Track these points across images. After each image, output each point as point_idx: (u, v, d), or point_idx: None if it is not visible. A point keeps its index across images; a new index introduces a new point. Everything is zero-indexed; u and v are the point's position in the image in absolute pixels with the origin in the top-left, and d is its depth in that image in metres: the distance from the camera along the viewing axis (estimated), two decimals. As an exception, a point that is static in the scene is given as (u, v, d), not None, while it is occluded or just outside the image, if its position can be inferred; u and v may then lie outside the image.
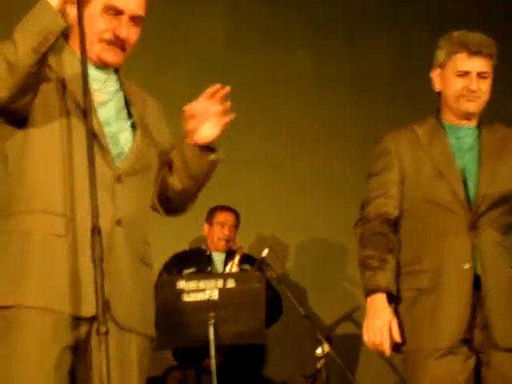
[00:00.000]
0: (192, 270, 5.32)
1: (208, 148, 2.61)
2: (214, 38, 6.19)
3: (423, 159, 3.20)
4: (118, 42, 2.51)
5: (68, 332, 2.39)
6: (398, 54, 6.49)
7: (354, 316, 5.97)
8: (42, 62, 2.32)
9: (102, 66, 2.56)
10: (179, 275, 5.10)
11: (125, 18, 2.50)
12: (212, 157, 2.62)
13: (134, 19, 2.52)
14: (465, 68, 3.17)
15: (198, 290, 4.06)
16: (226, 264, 5.30)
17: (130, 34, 2.52)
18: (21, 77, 2.29)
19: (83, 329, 2.42)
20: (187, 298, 4.05)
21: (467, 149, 3.22)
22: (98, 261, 2.22)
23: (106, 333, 2.21)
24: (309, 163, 6.21)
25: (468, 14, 6.13)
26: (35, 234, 2.40)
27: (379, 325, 3.09)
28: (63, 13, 2.34)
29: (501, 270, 3.12)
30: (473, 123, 3.25)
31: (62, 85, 2.47)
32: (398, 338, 3.10)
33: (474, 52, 3.15)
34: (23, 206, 2.42)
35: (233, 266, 5.04)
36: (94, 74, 2.53)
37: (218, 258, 5.46)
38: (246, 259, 5.28)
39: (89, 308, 2.33)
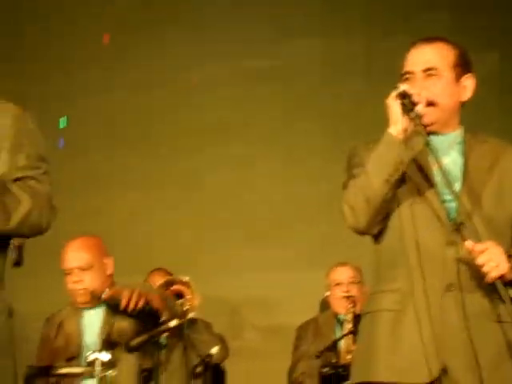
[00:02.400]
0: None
1: None
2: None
3: None
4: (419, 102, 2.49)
5: None
6: None
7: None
8: (392, 190, 2.48)
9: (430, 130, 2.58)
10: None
11: (414, 76, 2.56)
12: None
13: (425, 72, 2.56)
14: None
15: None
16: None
17: (423, 88, 2.52)
18: (376, 207, 2.48)
19: None
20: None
21: None
22: None
23: None
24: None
25: None
26: None
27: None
28: (407, 141, 2.47)
29: None
30: None
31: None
32: None
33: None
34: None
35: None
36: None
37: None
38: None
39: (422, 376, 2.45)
